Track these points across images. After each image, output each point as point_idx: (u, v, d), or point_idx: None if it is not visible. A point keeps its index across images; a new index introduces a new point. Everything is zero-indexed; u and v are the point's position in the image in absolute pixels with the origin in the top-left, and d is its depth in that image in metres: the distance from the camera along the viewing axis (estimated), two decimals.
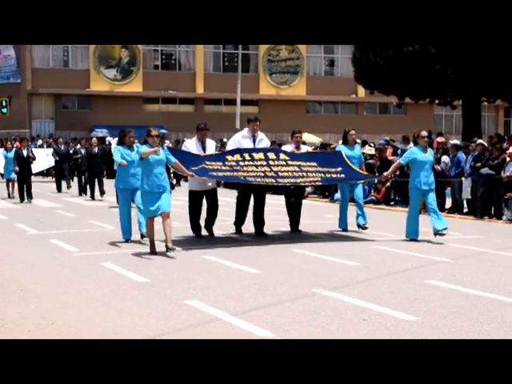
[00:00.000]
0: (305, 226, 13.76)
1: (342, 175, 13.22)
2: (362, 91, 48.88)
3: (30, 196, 21.58)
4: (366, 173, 15.29)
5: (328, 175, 13.15)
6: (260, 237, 13.08)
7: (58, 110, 49.92)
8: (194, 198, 13.10)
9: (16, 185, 22.43)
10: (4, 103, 38.95)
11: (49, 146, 36.06)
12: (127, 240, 12.49)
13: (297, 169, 12.99)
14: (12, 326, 6.95)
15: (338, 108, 54.02)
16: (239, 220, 13.61)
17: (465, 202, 18.24)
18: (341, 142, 15.23)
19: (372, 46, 30.16)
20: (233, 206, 13.80)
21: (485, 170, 17.11)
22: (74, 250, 11.63)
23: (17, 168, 21.63)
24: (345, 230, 13.96)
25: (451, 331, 6.69)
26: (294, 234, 13.51)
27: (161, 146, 11.47)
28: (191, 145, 13.27)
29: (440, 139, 25.26)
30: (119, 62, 50.09)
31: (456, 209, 18.37)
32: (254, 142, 13.49)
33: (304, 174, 12.95)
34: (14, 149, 23.21)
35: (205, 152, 12.96)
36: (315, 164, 13.25)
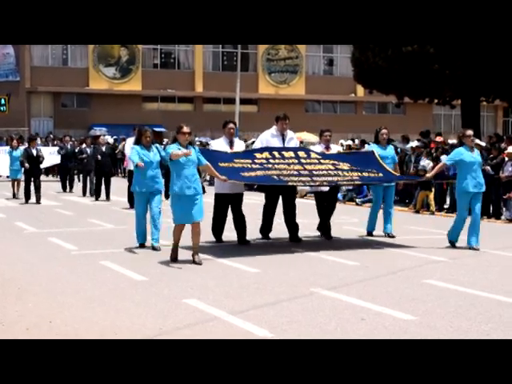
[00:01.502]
0: (303, 225, 13.75)
1: (380, 174, 12.45)
2: (361, 91, 48.86)
3: (38, 198, 20.40)
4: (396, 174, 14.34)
5: (366, 174, 12.36)
6: (295, 243, 12.37)
7: (57, 108, 49.87)
8: (220, 202, 12.23)
9: (22, 184, 21.66)
10: (3, 101, 38.93)
11: (54, 144, 35.38)
12: (141, 245, 11.77)
13: (331, 167, 12.27)
14: (10, 324, 6.95)
15: (337, 107, 54.02)
16: (266, 226, 12.74)
17: None
18: (365, 142, 14.96)
19: (371, 45, 30.15)
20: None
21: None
22: (73, 249, 11.63)
23: (27, 164, 20.62)
24: (370, 233, 13.32)
25: (449, 331, 6.70)
26: (322, 239, 12.90)
27: (192, 145, 10.66)
28: (218, 144, 12.48)
29: (439, 139, 25.27)
30: (118, 61, 50.05)
31: (455, 208, 18.34)
32: (284, 140, 12.68)
33: (340, 173, 12.21)
34: (23, 148, 22.47)
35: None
36: (348, 165, 12.46)
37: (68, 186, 25.41)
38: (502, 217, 16.72)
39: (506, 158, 16.74)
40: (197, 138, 34.14)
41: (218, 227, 12.32)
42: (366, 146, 15.71)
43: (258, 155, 12.03)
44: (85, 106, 50.06)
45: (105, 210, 18.42)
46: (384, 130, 13.69)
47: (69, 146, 27.05)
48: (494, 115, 56.31)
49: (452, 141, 20.66)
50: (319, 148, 13.41)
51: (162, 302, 7.90)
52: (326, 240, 12.73)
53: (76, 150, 26.35)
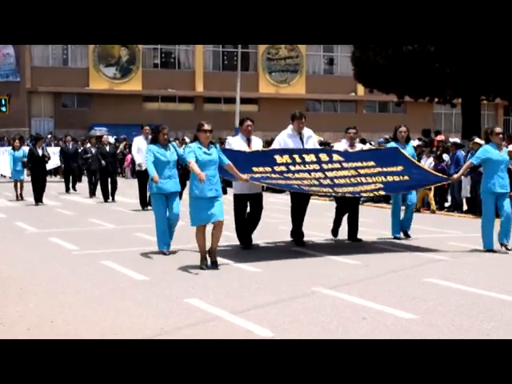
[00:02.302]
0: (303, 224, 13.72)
1: (406, 177, 11.69)
2: (361, 90, 48.86)
3: (40, 198, 20.14)
4: (430, 170, 13.71)
5: (390, 178, 11.64)
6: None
7: (58, 108, 49.89)
8: (240, 203, 11.67)
9: (24, 185, 21.49)
10: (3, 102, 38.89)
11: (56, 144, 34.99)
12: (164, 252, 11.04)
13: (354, 173, 11.62)
14: (11, 324, 6.94)
15: (337, 106, 54.02)
16: (297, 229, 12.06)
17: (464, 200, 18.24)
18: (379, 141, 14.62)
19: (371, 44, 30.15)
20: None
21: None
22: (74, 249, 11.63)
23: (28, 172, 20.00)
24: (397, 238, 12.78)
25: (450, 330, 6.69)
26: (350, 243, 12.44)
27: (213, 144, 10.12)
28: (235, 142, 11.84)
29: (439, 137, 25.28)
30: (119, 61, 50.05)
31: (455, 207, 18.36)
32: (302, 140, 12.01)
33: (363, 179, 11.55)
34: (28, 147, 22.08)
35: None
36: (373, 163, 11.82)
37: (71, 187, 24.95)
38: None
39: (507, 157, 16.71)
40: None
41: (242, 231, 11.73)
42: (389, 143, 14.84)
43: (278, 159, 11.41)
44: (85, 106, 50.07)
45: (105, 210, 18.42)
46: (403, 128, 13.06)
47: (70, 146, 26.51)
48: (495, 114, 56.35)
49: (453, 139, 20.63)
50: (343, 145, 12.92)
51: (163, 301, 7.90)
52: (325, 239, 12.60)
53: (79, 150, 26.11)
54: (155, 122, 48.92)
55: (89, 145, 24.96)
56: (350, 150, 12.59)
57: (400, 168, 11.81)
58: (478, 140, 19.01)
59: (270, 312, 7.40)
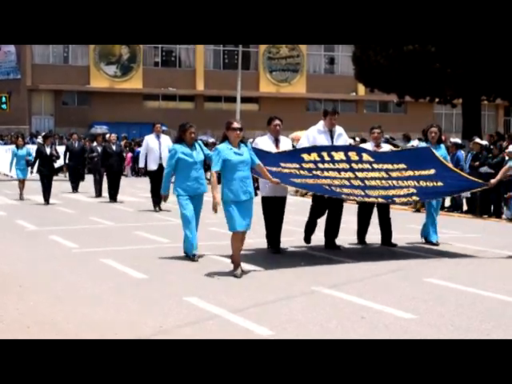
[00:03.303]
0: (301, 223, 13.71)
1: (439, 183, 11.02)
2: (362, 89, 48.92)
3: (47, 198, 19.48)
4: (463, 173, 12.58)
5: (423, 184, 11.01)
6: (330, 250, 11.36)
7: (58, 106, 49.93)
8: (268, 205, 11.08)
9: (26, 184, 21.06)
10: (4, 99, 38.96)
11: (61, 143, 34.27)
12: (192, 258, 10.38)
13: (385, 175, 11.02)
14: (11, 322, 6.95)
15: (337, 106, 53.97)
16: (309, 231, 11.66)
17: (464, 200, 18.25)
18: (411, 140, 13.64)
19: (372, 44, 30.17)
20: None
21: (484, 169, 17.11)
22: (74, 247, 11.63)
23: (33, 170, 19.18)
24: (433, 243, 12.02)
25: (450, 330, 6.70)
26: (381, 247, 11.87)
27: (244, 143, 9.47)
28: (263, 142, 11.18)
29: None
30: (119, 59, 50.09)
31: (455, 207, 18.37)
32: (332, 138, 11.40)
33: (395, 183, 10.98)
34: (36, 145, 21.34)
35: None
36: (404, 166, 11.11)
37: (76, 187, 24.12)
38: (503, 216, 16.72)
39: (507, 157, 16.73)
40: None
41: (273, 234, 11.16)
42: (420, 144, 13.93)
43: (305, 157, 10.84)
44: (86, 104, 50.11)
45: (105, 208, 18.42)
46: (433, 128, 12.26)
47: (76, 145, 25.35)
48: (495, 114, 56.36)
49: (454, 140, 20.63)
50: (369, 147, 11.99)
51: (162, 300, 7.90)
52: (323, 238, 12.24)
53: (84, 148, 25.45)
54: (156, 120, 48.94)
55: (95, 143, 24.10)
56: (378, 151, 11.86)
57: (432, 171, 11.13)
58: (478, 140, 19.04)
59: (269, 311, 7.41)
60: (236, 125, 9.31)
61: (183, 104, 51.54)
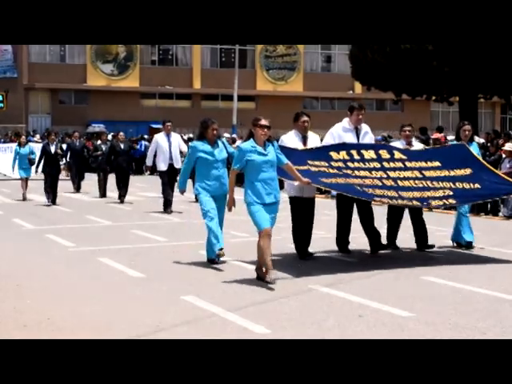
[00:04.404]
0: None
1: (477, 185, 10.27)
2: (358, 87, 48.87)
3: (54, 199, 18.85)
4: (501, 174, 11.43)
5: (459, 185, 10.28)
6: (376, 255, 10.76)
7: (55, 104, 49.88)
8: (296, 206, 10.40)
9: (29, 184, 20.38)
10: (0, 98, 38.90)
11: (62, 141, 33.75)
12: (212, 260, 9.94)
13: (419, 175, 10.32)
14: (8, 320, 6.94)
15: (334, 104, 54.02)
16: (342, 236, 10.88)
17: None
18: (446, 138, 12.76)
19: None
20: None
21: None
22: (71, 245, 11.62)
23: (38, 170, 18.57)
24: (466, 246, 11.38)
25: (447, 327, 6.70)
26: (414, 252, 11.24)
27: (270, 142, 8.81)
28: (289, 140, 10.43)
29: (435, 135, 25.30)
30: (116, 57, 50.05)
31: (454, 207, 18.34)
32: (358, 136, 10.69)
33: (429, 183, 10.28)
34: (42, 144, 20.71)
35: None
36: (439, 164, 10.36)
37: (74, 186, 23.52)
38: (500, 213, 16.73)
39: (504, 155, 16.76)
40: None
41: (301, 237, 10.44)
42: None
43: (334, 155, 10.16)
44: (82, 103, 50.07)
45: (102, 207, 18.40)
46: (467, 126, 11.49)
47: (78, 143, 24.51)
48: (492, 112, 56.37)
49: (450, 137, 20.67)
50: (399, 145, 11.24)
51: (159, 298, 7.90)
52: (321, 236, 12.10)
53: (85, 147, 24.85)
54: (153, 118, 48.93)
55: (99, 141, 23.37)
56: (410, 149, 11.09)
57: (469, 171, 10.40)
58: (476, 138, 19.05)
59: (267, 309, 7.41)
60: (264, 122, 8.64)
61: (180, 102, 51.51)
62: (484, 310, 7.44)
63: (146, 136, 36.81)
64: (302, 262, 10.16)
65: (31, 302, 7.77)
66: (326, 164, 10.09)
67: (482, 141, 19.25)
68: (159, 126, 47.42)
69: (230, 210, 8.79)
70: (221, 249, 9.64)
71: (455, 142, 11.65)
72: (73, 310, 7.41)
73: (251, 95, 51.51)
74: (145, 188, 19.82)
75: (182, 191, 10.50)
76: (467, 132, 11.39)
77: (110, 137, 33.39)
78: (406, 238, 12.41)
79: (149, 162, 17.62)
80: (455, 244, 11.54)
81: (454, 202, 10.67)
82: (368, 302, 7.68)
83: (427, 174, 10.35)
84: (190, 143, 10.58)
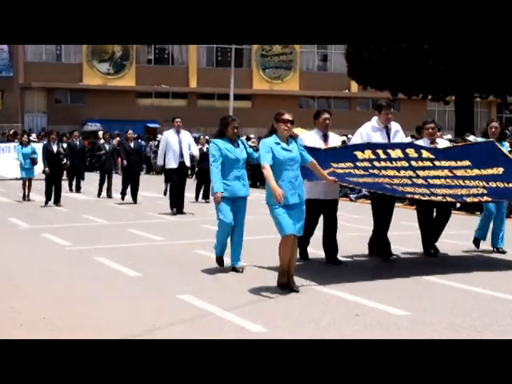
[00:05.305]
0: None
1: (511, 184, 9.69)
2: (355, 87, 48.96)
3: (58, 200, 18.44)
4: None
5: (493, 184, 9.74)
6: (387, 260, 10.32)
7: (51, 104, 49.83)
8: (314, 210, 9.74)
9: (32, 185, 19.98)
10: None
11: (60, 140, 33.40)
12: (220, 260, 9.64)
13: (449, 173, 9.77)
14: (4, 320, 6.93)
15: (331, 103, 54.04)
16: (382, 239, 10.43)
17: None
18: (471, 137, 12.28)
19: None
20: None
21: None
22: (67, 245, 11.61)
23: (47, 169, 18.21)
24: (477, 241, 11.22)
25: (443, 327, 6.71)
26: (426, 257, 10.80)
27: (293, 139, 8.32)
28: (309, 139, 9.95)
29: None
30: (112, 57, 50.01)
31: None
32: (389, 135, 10.27)
33: (461, 182, 9.78)
34: (42, 143, 20.48)
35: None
36: (469, 163, 9.71)
37: (75, 187, 23.46)
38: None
39: None
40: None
41: (304, 240, 9.83)
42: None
43: (359, 155, 9.62)
44: (79, 102, 50.02)
45: (98, 206, 18.40)
46: (494, 123, 11.13)
47: (78, 143, 24.43)
48: (488, 111, 56.43)
49: (447, 136, 20.70)
50: (422, 145, 10.60)
51: (156, 297, 7.90)
52: (317, 235, 12.05)
53: (84, 146, 24.60)
54: (149, 117, 48.86)
55: (102, 141, 22.90)
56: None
57: (500, 170, 9.73)
58: (472, 137, 19.07)
59: (263, 308, 7.41)
60: (287, 116, 8.14)
61: (176, 101, 51.47)
62: (481, 309, 7.45)
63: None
64: (297, 259, 9.84)
65: (27, 301, 7.76)
66: (352, 165, 9.63)
67: (480, 139, 19.24)
68: (155, 125, 47.76)
69: (280, 201, 7.79)
70: (220, 258, 9.57)
71: (483, 140, 11.08)
72: (69, 309, 7.40)
73: (247, 94, 51.49)
74: (142, 187, 19.78)
75: (219, 194, 9.20)
76: (494, 129, 11.02)
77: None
78: (405, 238, 12.44)
79: (160, 161, 16.75)
80: (495, 250, 11.13)
81: (489, 199, 10.41)
82: (364, 301, 7.69)
83: (458, 173, 9.79)
84: (210, 141, 9.83)
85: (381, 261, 10.27)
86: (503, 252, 10.98)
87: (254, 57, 52.29)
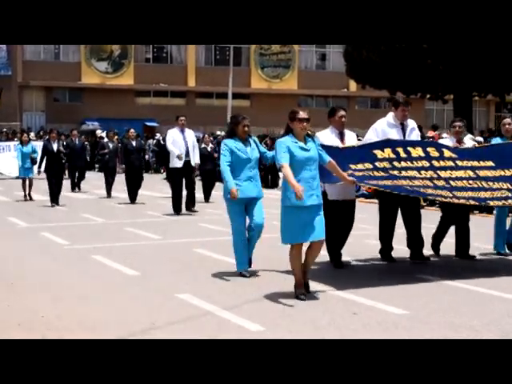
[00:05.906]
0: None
1: None
2: (353, 85, 48.91)
3: (56, 198, 18.20)
4: None
5: None
6: (417, 261, 10.20)
7: (49, 102, 49.82)
8: (335, 211, 9.42)
9: (33, 184, 19.84)
10: None
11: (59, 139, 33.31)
12: (243, 274, 9.07)
13: (472, 174, 9.31)
14: (2, 319, 6.93)
15: (329, 102, 54.00)
16: (386, 243, 10.29)
17: None
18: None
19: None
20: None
21: None
22: (65, 243, 11.61)
23: (40, 169, 18.12)
24: (501, 254, 10.82)
25: (441, 325, 6.71)
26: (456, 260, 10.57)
27: (310, 137, 8.00)
28: (325, 137, 9.45)
29: (430, 133, 25.32)
30: (110, 55, 49.99)
31: None
32: (404, 132, 9.93)
33: (484, 184, 9.39)
34: (43, 142, 20.11)
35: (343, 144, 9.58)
36: (492, 163, 9.21)
37: (76, 186, 23.32)
38: (494, 212, 16.69)
39: None
40: None
41: (334, 245, 9.73)
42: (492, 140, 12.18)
43: (378, 153, 9.13)
44: (77, 101, 50.01)
45: (96, 205, 18.39)
46: (507, 120, 10.70)
47: (77, 142, 24.13)
48: (487, 110, 56.45)
49: (445, 135, 20.68)
50: (449, 143, 10.41)
51: (154, 296, 7.90)
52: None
53: (84, 145, 24.35)
54: (147, 116, 48.84)
55: (106, 139, 22.42)
56: (459, 147, 10.10)
57: None
58: (471, 136, 19.06)
59: (262, 307, 7.41)
60: (303, 115, 7.77)
61: (175, 100, 51.46)
62: (479, 308, 7.45)
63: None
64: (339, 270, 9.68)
65: (25, 300, 7.76)
66: (371, 166, 9.22)
67: (479, 139, 19.26)
68: (154, 124, 47.74)
69: (301, 197, 7.40)
70: (247, 272, 9.12)
71: (498, 139, 10.81)
72: (67, 308, 7.40)
73: (246, 93, 51.47)
74: (141, 186, 19.77)
75: (235, 189, 8.81)
76: (507, 125, 10.62)
77: (103, 134, 33.10)
78: (401, 236, 12.44)
79: (176, 151, 15.82)
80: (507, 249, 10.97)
81: None
82: (362, 300, 7.69)
83: (481, 173, 9.33)
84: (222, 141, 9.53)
85: (388, 264, 10.13)
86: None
87: (253, 56, 52.28)
